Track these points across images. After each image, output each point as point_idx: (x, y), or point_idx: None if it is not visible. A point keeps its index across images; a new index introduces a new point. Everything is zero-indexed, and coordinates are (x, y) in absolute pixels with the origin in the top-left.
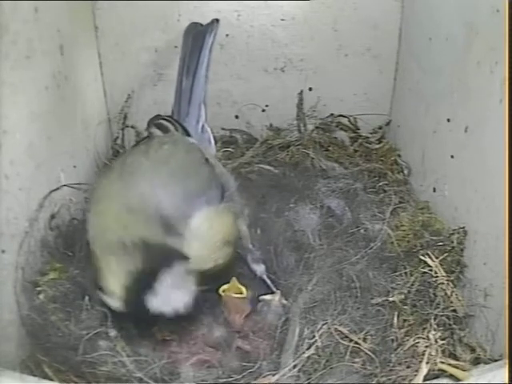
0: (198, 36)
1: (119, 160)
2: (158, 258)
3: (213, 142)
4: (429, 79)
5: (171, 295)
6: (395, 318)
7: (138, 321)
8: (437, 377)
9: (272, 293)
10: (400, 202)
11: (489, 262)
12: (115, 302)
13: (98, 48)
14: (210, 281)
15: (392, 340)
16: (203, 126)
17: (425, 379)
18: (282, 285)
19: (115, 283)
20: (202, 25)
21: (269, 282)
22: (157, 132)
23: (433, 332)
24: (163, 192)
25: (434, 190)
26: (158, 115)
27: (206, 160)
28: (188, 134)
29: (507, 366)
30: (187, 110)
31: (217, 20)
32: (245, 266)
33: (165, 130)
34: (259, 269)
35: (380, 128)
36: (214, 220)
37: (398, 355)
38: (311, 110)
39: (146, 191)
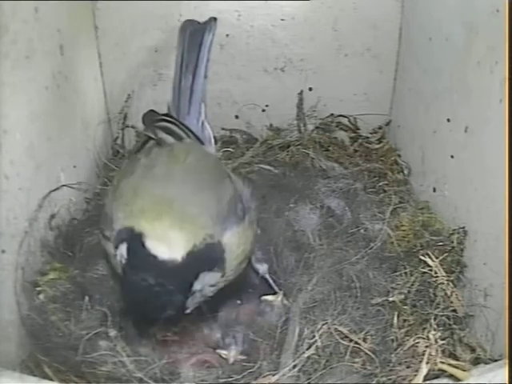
0: (196, 34)
1: (138, 164)
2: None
3: (213, 140)
4: (429, 79)
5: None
6: (395, 318)
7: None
8: (437, 377)
9: (274, 293)
10: (400, 202)
11: (489, 262)
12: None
13: (98, 48)
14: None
15: (392, 340)
16: (203, 124)
17: (425, 379)
18: (282, 285)
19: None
20: (198, 22)
21: (271, 281)
22: (168, 138)
23: (433, 332)
24: (201, 197)
25: (434, 190)
26: (152, 110)
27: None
28: (201, 142)
29: (507, 366)
30: (188, 108)
31: (214, 18)
32: (247, 266)
33: (176, 136)
34: (262, 268)
35: (380, 128)
36: (241, 237)
37: (397, 355)
38: (311, 110)
39: (183, 195)
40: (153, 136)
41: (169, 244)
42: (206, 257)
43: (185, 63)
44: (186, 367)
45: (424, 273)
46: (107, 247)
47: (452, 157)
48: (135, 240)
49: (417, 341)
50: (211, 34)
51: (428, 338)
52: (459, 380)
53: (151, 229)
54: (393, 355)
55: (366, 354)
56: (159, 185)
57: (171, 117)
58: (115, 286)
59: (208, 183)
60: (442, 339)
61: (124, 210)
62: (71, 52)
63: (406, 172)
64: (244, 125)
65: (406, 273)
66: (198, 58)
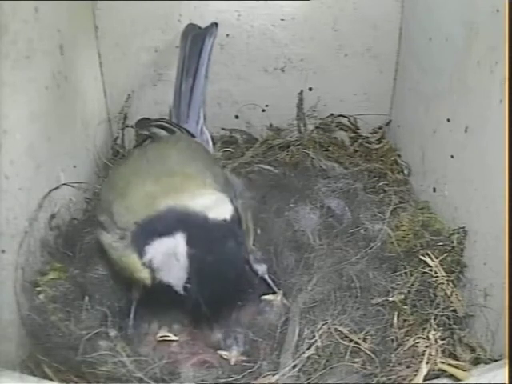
0: (197, 38)
1: (132, 155)
2: None
3: (211, 143)
4: (429, 79)
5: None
6: (395, 318)
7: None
8: (437, 377)
9: (273, 293)
10: (400, 202)
11: (489, 262)
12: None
13: (98, 48)
14: None
15: (392, 340)
16: (202, 129)
17: (425, 379)
18: (281, 285)
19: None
20: (200, 27)
21: (270, 282)
22: (162, 132)
23: (433, 332)
24: (200, 165)
25: (434, 190)
26: (146, 118)
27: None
28: (193, 136)
29: (507, 366)
30: (187, 112)
31: (216, 24)
32: (246, 266)
33: (170, 131)
34: (261, 269)
35: (380, 128)
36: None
37: (397, 355)
38: (311, 110)
39: (180, 162)
40: (147, 132)
41: (214, 201)
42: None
43: (185, 68)
44: (186, 367)
45: (424, 273)
46: (102, 237)
47: (452, 157)
48: (190, 220)
49: (417, 341)
50: (212, 39)
51: (428, 338)
52: (459, 380)
53: (191, 200)
54: (393, 355)
55: (366, 353)
56: (156, 164)
57: (165, 119)
58: (114, 283)
59: (201, 159)
60: (442, 339)
61: (128, 199)
62: (71, 52)
63: (406, 172)
64: (244, 125)
65: (406, 273)
66: (198, 63)
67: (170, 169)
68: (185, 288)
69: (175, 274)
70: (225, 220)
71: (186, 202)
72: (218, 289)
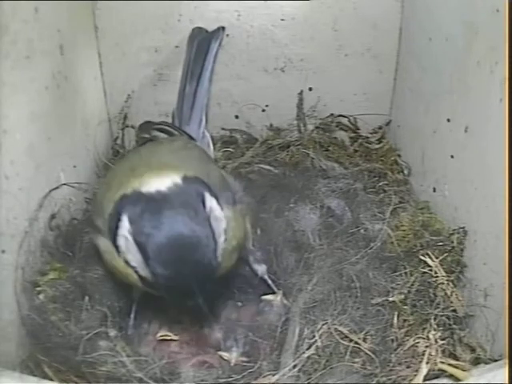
0: (203, 42)
1: (128, 156)
2: None
3: (211, 146)
4: (429, 79)
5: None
6: (395, 318)
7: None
8: (437, 377)
9: (273, 293)
10: (400, 202)
11: (489, 262)
12: None
13: (98, 48)
14: None
15: (392, 340)
16: (203, 132)
17: (425, 379)
18: (282, 285)
19: None
20: (207, 30)
21: (270, 282)
22: (161, 135)
23: (433, 332)
24: (189, 163)
25: (434, 190)
26: (149, 121)
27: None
28: (192, 138)
29: (507, 366)
30: (190, 114)
31: (223, 28)
32: (246, 267)
33: (170, 134)
34: (260, 269)
35: (380, 128)
36: (232, 219)
37: (397, 355)
38: (311, 110)
39: (170, 163)
40: (147, 135)
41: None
42: (199, 183)
43: (190, 71)
44: (186, 367)
45: (424, 273)
46: (99, 241)
47: (452, 157)
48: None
49: (417, 341)
50: (217, 43)
51: (428, 338)
52: (459, 380)
53: (140, 182)
54: (393, 355)
55: (366, 353)
56: (144, 157)
57: (166, 123)
58: (114, 283)
59: (195, 158)
60: (442, 339)
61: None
62: (71, 52)
63: (406, 172)
64: (244, 125)
65: (406, 273)
66: (202, 67)
67: (149, 160)
68: (152, 273)
69: (136, 257)
70: (158, 191)
71: (135, 185)
72: (181, 264)
